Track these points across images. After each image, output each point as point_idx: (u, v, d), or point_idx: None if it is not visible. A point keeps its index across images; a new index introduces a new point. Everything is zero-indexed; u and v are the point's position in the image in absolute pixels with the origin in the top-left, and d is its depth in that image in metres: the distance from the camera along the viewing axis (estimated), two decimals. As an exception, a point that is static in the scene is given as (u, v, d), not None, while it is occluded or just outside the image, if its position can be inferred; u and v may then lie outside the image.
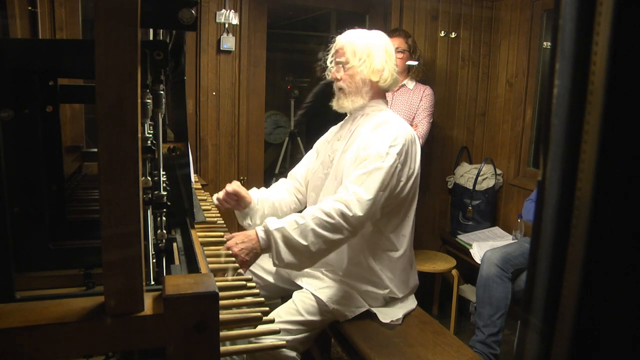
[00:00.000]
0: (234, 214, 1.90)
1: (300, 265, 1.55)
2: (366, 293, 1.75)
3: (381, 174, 1.57)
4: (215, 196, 1.76)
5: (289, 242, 1.49)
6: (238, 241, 1.48)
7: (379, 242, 1.73)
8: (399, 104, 2.82)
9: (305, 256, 1.51)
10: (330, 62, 1.82)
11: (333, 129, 1.97)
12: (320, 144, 1.99)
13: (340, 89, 1.76)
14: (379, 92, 1.79)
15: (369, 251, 1.73)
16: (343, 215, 1.52)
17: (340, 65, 1.74)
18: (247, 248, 1.48)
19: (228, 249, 1.41)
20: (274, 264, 1.53)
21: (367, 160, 1.60)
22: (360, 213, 1.53)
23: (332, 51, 1.80)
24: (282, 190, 1.97)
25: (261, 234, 1.50)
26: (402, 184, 1.67)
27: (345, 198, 1.54)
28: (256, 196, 1.84)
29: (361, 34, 1.75)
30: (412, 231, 1.80)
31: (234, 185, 1.77)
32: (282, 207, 1.92)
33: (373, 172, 1.57)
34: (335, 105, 1.82)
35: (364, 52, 1.71)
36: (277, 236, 1.48)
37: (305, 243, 1.48)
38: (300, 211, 1.90)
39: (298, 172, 2.00)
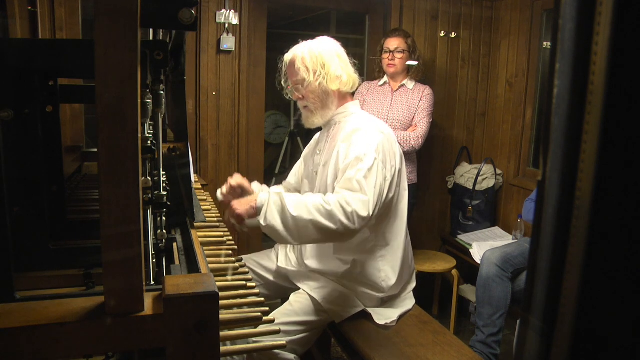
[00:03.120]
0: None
1: (281, 234, 1.49)
2: (362, 294, 1.75)
3: (364, 172, 1.52)
4: (219, 191, 1.73)
5: (280, 206, 1.48)
6: (241, 199, 1.55)
7: (374, 241, 1.73)
8: (399, 104, 2.82)
9: (290, 227, 1.47)
10: (285, 82, 1.78)
11: (316, 138, 1.96)
12: (306, 154, 1.99)
13: (306, 107, 1.73)
14: (345, 96, 1.76)
15: (365, 253, 1.73)
16: (341, 207, 1.47)
17: (299, 85, 1.70)
18: (244, 202, 1.52)
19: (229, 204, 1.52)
20: (260, 220, 1.50)
21: (348, 168, 1.56)
22: (362, 212, 1.47)
23: (283, 71, 1.77)
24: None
25: (262, 194, 1.52)
26: (388, 182, 1.63)
27: (345, 195, 1.50)
28: (258, 188, 1.84)
29: (307, 46, 1.70)
30: (406, 228, 1.80)
31: (238, 179, 1.75)
32: None
33: (357, 174, 1.52)
34: (305, 123, 1.78)
35: (317, 64, 1.66)
36: (273, 198, 1.49)
37: (294, 214, 1.46)
38: None
39: (292, 179, 2.02)
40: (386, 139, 1.66)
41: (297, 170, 2.02)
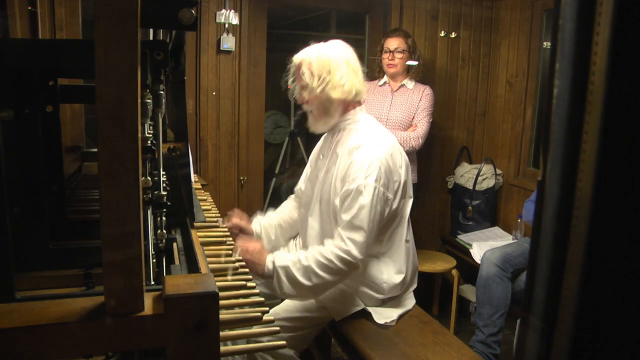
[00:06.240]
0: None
1: (300, 297, 1.65)
2: (362, 293, 1.75)
3: (366, 211, 1.56)
4: None
5: (291, 279, 1.56)
6: (250, 254, 1.58)
7: (378, 247, 1.73)
8: (399, 103, 2.82)
9: (306, 291, 1.59)
10: (292, 83, 1.76)
11: (321, 141, 1.95)
12: (313, 156, 1.98)
13: (311, 111, 1.73)
14: (351, 103, 1.72)
15: (368, 256, 1.72)
16: (344, 260, 1.56)
17: (304, 90, 1.68)
18: (251, 265, 1.55)
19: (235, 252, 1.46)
20: (274, 293, 1.61)
21: (349, 198, 1.58)
22: (360, 256, 1.57)
23: (291, 72, 1.75)
24: (290, 209, 1.99)
25: (269, 265, 1.58)
26: (390, 200, 1.65)
27: (345, 247, 1.56)
28: (258, 226, 1.88)
29: (317, 50, 1.67)
30: (409, 232, 1.80)
31: (235, 220, 1.77)
32: (291, 226, 1.96)
33: (358, 214, 1.56)
34: (310, 127, 1.77)
35: (323, 70, 1.63)
36: (282, 273, 1.57)
37: (307, 283, 1.56)
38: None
39: (303, 184, 2.01)
40: (389, 155, 1.64)
41: (306, 175, 2.00)
